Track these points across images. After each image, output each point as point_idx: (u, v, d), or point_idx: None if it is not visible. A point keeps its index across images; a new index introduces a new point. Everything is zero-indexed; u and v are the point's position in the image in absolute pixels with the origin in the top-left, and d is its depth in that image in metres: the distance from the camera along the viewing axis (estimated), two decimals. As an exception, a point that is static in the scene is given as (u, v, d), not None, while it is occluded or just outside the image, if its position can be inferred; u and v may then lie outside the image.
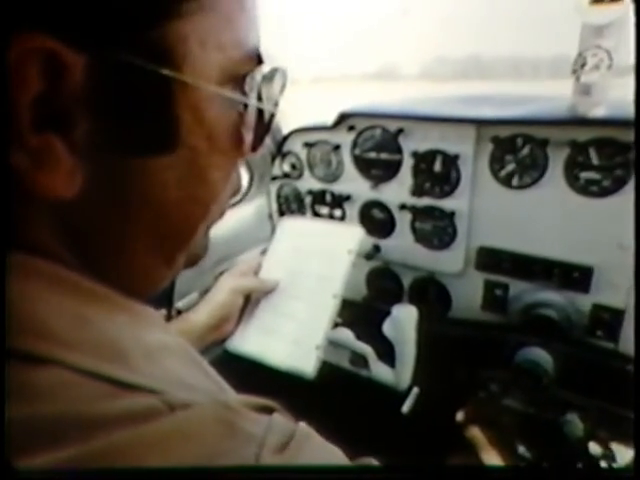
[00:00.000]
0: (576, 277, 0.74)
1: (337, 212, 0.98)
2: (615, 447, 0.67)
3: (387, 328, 0.81)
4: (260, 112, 0.29)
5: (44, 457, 0.17)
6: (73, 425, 0.18)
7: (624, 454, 0.66)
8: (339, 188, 0.97)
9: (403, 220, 0.91)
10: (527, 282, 0.80)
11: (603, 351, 0.74)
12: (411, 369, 0.77)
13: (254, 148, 0.30)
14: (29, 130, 0.19)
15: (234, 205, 1.02)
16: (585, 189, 0.71)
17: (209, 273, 0.88)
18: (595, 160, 0.69)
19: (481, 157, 0.79)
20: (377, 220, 0.94)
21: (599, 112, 0.68)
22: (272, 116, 0.31)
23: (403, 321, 0.79)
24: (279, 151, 1.02)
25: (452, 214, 0.84)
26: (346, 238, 0.76)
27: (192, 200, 0.26)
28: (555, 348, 0.74)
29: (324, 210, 1.00)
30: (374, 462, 0.29)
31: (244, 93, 0.27)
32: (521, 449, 0.70)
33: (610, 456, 0.66)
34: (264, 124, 0.30)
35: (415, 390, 0.79)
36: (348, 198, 0.96)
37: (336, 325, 0.82)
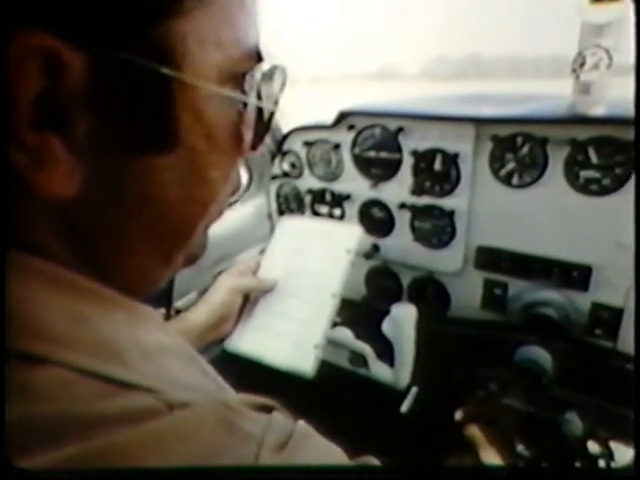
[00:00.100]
0: (575, 276, 0.74)
1: (337, 211, 0.98)
2: (614, 446, 0.67)
3: (386, 327, 0.81)
4: (260, 111, 0.29)
5: (43, 457, 0.17)
6: (72, 424, 0.18)
7: (623, 453, 0.66)
8: (339, 187, 0.97)
9: (402, 219, 0.91)
10: (526, 281, 0.80)
11: (602, 350, 0.75)
12: (410, 368, 0.77)
13: (254, 147, 0.30)
14: (28, 129, 0.19)
15: (233, 204, 1.02)
16: (585, 188, 0.71)
17: (208, 272, 0.88)
18: (594, 159, 0.70)
19: (481, 156, 0.79)
20: (376, 219, 0.94)
21: (599, 111, 0.68)
22: (272, 115, 0.31)
23: (402, 320, 0.79)
24: (279, 150, 1.02)
25: (451, 213, 0.84)
26: (345, 237, 0.76)
27: (191, 199, 0.26)
28: (554, 347, 0.74)
29: (324, 209, 1.00)
30: (374, 461, 0.29)
31: (244, 91, 0.27)
32: (520, 448, 0.70)
33: (609, 455, 0.67)
34: (264, 123, 0.30)
35: (414, 389, 0.79)
36: (348, 197, 0.96)
37: (335, 324, 0.82)
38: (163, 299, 0.78)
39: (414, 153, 0.85)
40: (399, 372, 0.78)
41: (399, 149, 0.87)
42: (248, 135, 0.29)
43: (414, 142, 0.85)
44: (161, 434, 0.20)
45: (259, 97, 0.29)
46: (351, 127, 0.90)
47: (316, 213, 1.01)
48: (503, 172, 0.78)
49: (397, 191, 0.89)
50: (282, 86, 0.31)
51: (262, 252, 0.81)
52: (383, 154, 0.89)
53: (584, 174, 0.71)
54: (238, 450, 0.21)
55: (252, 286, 0.74)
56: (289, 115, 0.98)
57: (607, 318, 0.73)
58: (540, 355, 0.73)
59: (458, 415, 0.77)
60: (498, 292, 0.84)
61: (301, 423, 0.26)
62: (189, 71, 0.22)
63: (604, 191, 0.70)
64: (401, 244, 0.92)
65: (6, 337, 0.19)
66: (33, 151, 0.19)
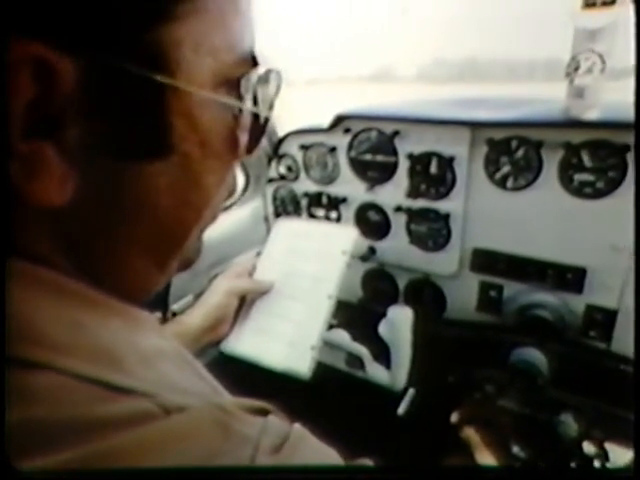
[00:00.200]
0: (570, 278, 0.75)
1: (333, 214, 0.99)
2: (609, 447, 0.68)
3: (383, 329, 0.82)
4: (255, 114, 0.29)
5: (41, 461, 0.17)
6: (69, 429, 0.18)
7: (618, 454, 0.67)
8: (335, 190, 0.97)
9: (398, 222, 0.91)
10: (521, 283, 0.80)
11: (596, 351, 0.75)
12: (407, 370, 0.78)
13: (249, 151, 0.30)
14: (20, 137, 0.19)
15: (230, 207, 1.02)
16: (579, 191, 0.72)
17: (204, 275, 0.88)
18: (588, 162, 0.70)
19: (476, 159, 0.80)
20: (373, 222, 0.94)
21: (592, 114, 0.69)
22: (267, 118, 0.31)
23: (399, 322, 0.80)
24: (275, 153, 1.02)
25: (447, 216, 0.84)
26: (340, 239, 0.76)
27: (185, 205, 0.26)
28: (549, 348, 0.75)
29: (320, 212, 1.00)
30: (369, 463, 0.29)
31: (239, 95, 0.27)
32: (515, 449, 0.70)
33: (604, 456, 0.67)
34: (259, 126, 0.30)
35: (411, 391, 0.79)
36: (344, 200, 0.96)
37: (332, 326, 0.82)
38: (160, 302, 0.78)
39: (410, 156, 0.85)
40: (396, 374, 0.78)
41: (395, 152, 0.87)
42: (243, 139, 0.29)
43: (410, 145, 0.85)
44: (158, 438, 0.20)
45: (255, 101, 0.29)
46: (347, 130, 0.91)
47: (312, 216, 1.02)
48: (498, 175, 0.78)
49: (393, 194, 0.89)
50: (278, 89, 0.32)
51: (258, 255, 0.82)
52: (379, 157, 0.89)
53: (578, 177, 0.71)
54: (234, 453, 0.21)
55: (248, 288, 0.74)
56: (285, 118, 0.99)
57: (601, 320, 0.74)
58: (535, 357, 0.74)
59: (454, 417, 0.77)
60: (493, 294, 0.84)
61: (297, 426, 0.26)
62: (183, 77, 0.22)
63: (598, 194, 0.70)
64: (397, 247, 0.92)
65: (6, 343, 0.19)
66: (25, 159, 0.19)
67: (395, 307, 0.83)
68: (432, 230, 0.87)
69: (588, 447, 0.68)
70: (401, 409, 0.79)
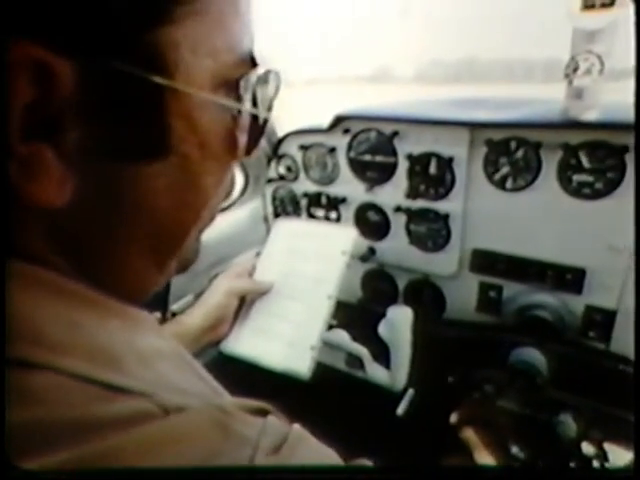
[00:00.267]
0: (569, 279, 0.75)
1: (332, 214, 0.99)
2: (607, 447, 0.68)
3: (382, 330, 0.82)
4: (254, 115, 0.29)
5: (39, 461, 0.17)
6: (68, 429, 0.18)
7: (617, 454, 0.67)
8: (334, 190, 0.97)
9: (398, 222, 0.91)
10: (521, 284, 0.81)
11: (595, 351, 0.75)
12: (406, 370, 0.78)
13: (248, 151, 0.30)
14: (19, 139, 0.19)
15: (229, 208, 1.02)
16: (578, 191, 0.72)
17: (203, 275, 0.88)
18: (587, 163, 0.70)
19: (475, 160, 0.80)
20: (372, 222, 0.94)
21: (591, 115, 0.69)
22: (266, 119, 0.31)
23: (398, 323, 0.80)
24: (274, 153, 1.02)
25: (446, 216, 0.84)
26: (340, 239, 0.76)
27: (184, 206, 0.26)
28: (549, 349, 0.75)
29: (319, 212, 1.00)
30: (367, 464, 0.29)
31: (238, 96, 0.27)
32: (514, 449, 0.70)
33: (602, 456, 0.67)
34: (258, 127, 0.30)
35: (410, 391, 0.79)
36: (343, 200, 0.96)
37: (332, 327, 0.82)
38: (159, 302, 0.78)
39: (409, 157, 0.85)
40: (395, 374, 0.78)
41: (394, 153, 0.87)
42: (242, 140, 0.29)
43: (409, 146, 0.85)
44: (156, 438, 0.20)
45: (254, 101, 0.29)
46: (346, 131, 0.91)
47: (312, 216, 1.02)
48: (497, 176, 0.78)
49: (392, 194, 0.89)
50: (277, 90, 0.32)
51: (258, 255, 0.82)
52: (378, 158, 0.89)
53: (577, 178, 0.72)
54: (233, 454, 0.21)
55: (248, 288, 0.74)
56: (284, 119, 0.99)
57: (600, 320, 0.74)
58: (535, 357, 0.74)
59: (453, 417, 0.77)
60: (493, 295, 0.84)
61: (296, 427, 0.26)
62: (182, 79, 0.22)
63: (597, 195, 0.70)
64: (397, 247, 0.92)
65: (5, 344, 0.19)
66: (24, 161, 0.19)
67: (395, 307, 0.83)
68: (431, 230, 0.87)
69: (587, 447, 0.68)
70: (400, 409, 0.79)
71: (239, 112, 0.27)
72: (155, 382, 0.23)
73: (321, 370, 0.70)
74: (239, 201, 1.05)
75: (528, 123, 0.75)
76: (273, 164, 1.03)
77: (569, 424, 0.69)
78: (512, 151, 0.76)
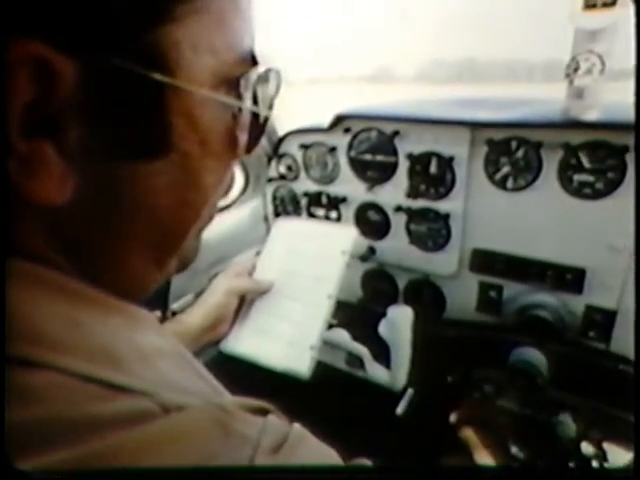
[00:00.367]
0: (569, 279, 0.75)
1: (333, 214, 0.99)
2: (607, 447, 0.68)
3: (383, 329, 0.82)
4: (255, 113, 0.29)
5: (39, 460, 0.17)
6: (68, 428, 0.18)
7: (616, 454, 0.67)
8: (335, 190, 0.97)
9: (398, 222, 0.91)
10: (521, 284, 0.81)
11: (595, 351, 0.75)
12: (406, 370, 0.78)
13: (249, 150, 0.30)
14: (19, 136, 0.19)
15: (229, 207, 1.02)
16: (578, 191, 0.72)
17: (204, 275, 0.88)
18: (587, 163, 0.70)
19: (476, 159, 0.80)
20: (372, 222, 0.94)
21: (592, 115, 0.69)
22: (267, 117, 0.31)
23: (399, 322, 0.80)
24: (275, 153, 1.02)
25: (447, 216, 0.84)
26: (340, 239, 0.76)
27: (184, 204, 0.26)
28: (549, 349, 0.75)
29: (320, 212, 1.00)
30: (367, 463, 0.29)
31: (239, 94, 0.27)
32: (514, 449, 0.70)
33: (602, 456, 0.67)
34: (259, 125, 0.30)
35: (409, 391, 0.79)
36: (344, 200, 0.96)
37: (332, 326, 0.82)
38: (159, 301, 0.78)
39: (410, 156, 0.85)
40: (395, 374, 0.78)
41: (395, 152, 0.87)
42: (243, 138, 0.29)
43: (410, 145, 0.85)
44: (156, 437, 0.20)
45: (254, 100, 0.29)
46: (347, 130, 0.91)
47: (312, 216, 1.02)
48: (498, 176, 0.78)
49: (393, 194, 0.89)
50: (277, 89, 0.32)
51: (258, 254, 0.82)
52: (379, 157, 0.89)
53: (577, 178, 0.71)
54: (233, 453, 0.21)
55: (248, 288, 0.74)
56: (285, 118, 0.99)
57: (600, 320, 0.74)
58: (535, 357, 0.74)
59: (453, 417, 0.77)
60: (493, 294, 0.84)
61: (296, 426, 0.26)
62: (183, 77, 0.22)
63: (597, 195, 0.70)
64: (397, 247, 0.92)
65: (5, 342, 0.19)
66: (25, 158, 0.19)
67: (395, 307, 0.83)
68: (432, 230, 0.87)
69: (586, 447, 0.68)
70: (400, 409, 0.79)
71: (240, 110, 0.27)
72: (156, 381, 0.23)
73: (321, 369, 0.70)
74: (239, 200, 1.05)
75: (529, 123, 0.75)
76: (273, 163, 1.03)
77: (569, 424, 0.69)
78: (513, 151, 0.76)
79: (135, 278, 0.27)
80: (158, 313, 0.78)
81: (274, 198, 1.07)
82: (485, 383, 0.79)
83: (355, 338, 0.82)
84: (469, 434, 0.73)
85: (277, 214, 1.07)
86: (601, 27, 0.63)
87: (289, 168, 1.02)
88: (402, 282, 0.96)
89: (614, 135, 0.67)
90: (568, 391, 0.73)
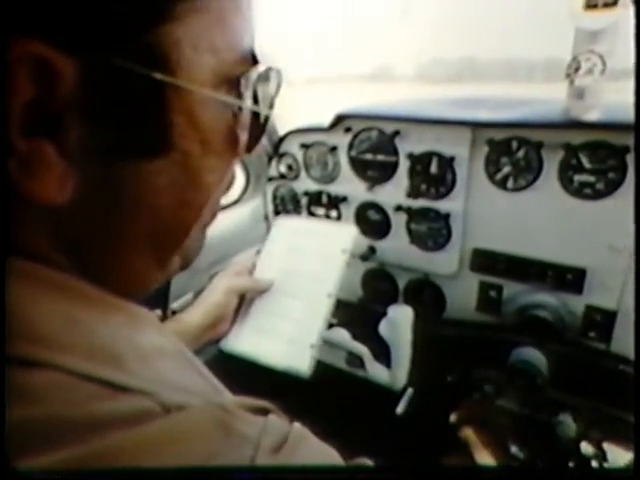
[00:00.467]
0: (569, 279, 0.75)
1: (333, 213, 0.99)
2: (607, 447, 0.68)
3: (383, 329, 0.82)
4: (255, 113, 0.29)
5: (39, 459, 0.17)
6: (68, 427, 0.18)
7: (616, 454, 0.67)
8: (335, 189, 0.97)
9: (398, 222, 0.91)
10: (521, 283, 0.81)
11: (595, 352, 0.75)
12: (407, 369, 0.78)
13: (249, 149, 0.30)
14: (20, 135, 0.19)
15: (230, 206, 1.02)
16: (579, 192, 0.72)
17: (204, 274, 0.88)
18: (588, 163, 0.70)
19: (476, 159, 0.80)
20: (373, 221, 0.94)
21: (593, 115, 0.69)
22: (267, 117, 0.31)
23: (399, 322, 0.80)
24: (275, 152, 1.02)
25: (447, 216, 0.84)
26: (340, 237, 0.76)
27: (185, 203, 0.26)
28: (549, 349, 0.75)
29: (320, 211, 1.00)
30: (368, 463, 0.29)
31: (239, 94, 0.27)
32: (514, 449, 0.70)
33: (602, 456, 0.67)
34: (259, 124, 0.30)
35: (409, 391, 0.80)
36: (344, 199, 0.96)
37: (332, 325, 0.82)
38: (159, 300, 0.78)
39: (410, 156, 0.85)
40: (396, 373, 0.78)
41: (395, 152, 0.87)
42: (243, 137, 0.29)
43: (410, 145, 0.85)
44: (157, 437, 0.20)
45: (255, 99, 0.29)
46: (348, 130, 0.91)
47: (312, 215, 1.02)
48: (498, 176, 0.78)
49: (393, 194, 0.89)
50: (278, 88, 0.32)
51: (258, 253, 0.81)
52: (379, 157, 0.89)
53: (578, 178, 0.71)
54: (234, 453, 0.21)
55: (248, 286, 0.74)
56: (285, 117, 0.98)
57: (600, 320, 0.74)
58: (535, 357, 0.74)
59: (453, 417, 0.77)
60: (493, 294, 0.84)
61: (297, 426, 0.26)
62: (183, 76, 0.22)
63: (598, 195, 0.70)
64: (397, 246, 0.92)
65: (5, 342, 0.19)
66: (25, 157, 0.19)
67: (395, 306, 0.83)
68: (432, 230, 0.87)
69: (586, 447, 0.68)
70: (400, 408, 0.79)
71: (240, 109, 0.27)
72: (156, 380, 0.23)
73: (321, 368, 0.70)
74: (240, 199, 1.05)
75: (529, 123, 0.74)
76: (274, 163, 1.03)
77: (568, 424, 0.69)
78: (513, 151, 0.76)
79: (136, 277, 0.27)
80: (158, 312, 0.78)
81: (274, 197, 1.07)
82: (485, 383, 0.79)
83: (355, 337, 0.82)
84: (469, 434, 0.73)
85: (277, 213, 1.07)
86: (602, 27, 0.63)
87: (289, 167, 1.02)
88: (402, 282, 0.96)
89: (615, 135, 0.67)
90: (568, 391, 0.73)
